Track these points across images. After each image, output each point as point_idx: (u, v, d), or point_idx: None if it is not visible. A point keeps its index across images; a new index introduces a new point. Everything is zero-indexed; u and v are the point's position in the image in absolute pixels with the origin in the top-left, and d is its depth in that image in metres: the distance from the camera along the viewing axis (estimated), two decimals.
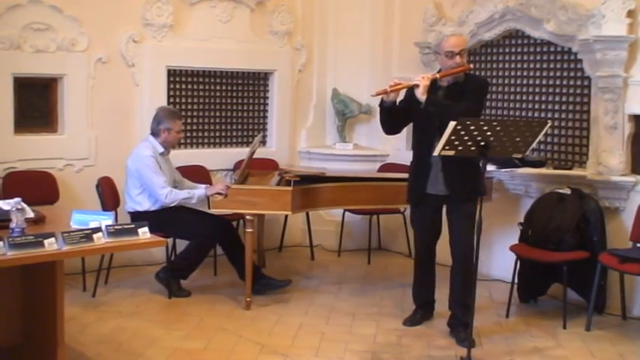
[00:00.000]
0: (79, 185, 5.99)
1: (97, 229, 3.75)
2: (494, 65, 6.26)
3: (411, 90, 4.68)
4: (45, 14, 5.80)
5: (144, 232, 3.88)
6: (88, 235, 3.69)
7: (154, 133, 5.66)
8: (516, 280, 5.42)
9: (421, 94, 4.56)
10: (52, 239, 3.57)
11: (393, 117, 4.87)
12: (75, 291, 5.56)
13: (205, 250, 5.69)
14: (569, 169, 5.67)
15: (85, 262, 5.69)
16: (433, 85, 4.64)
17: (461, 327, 4.74)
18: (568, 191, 5.38)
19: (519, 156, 4.58)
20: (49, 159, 5.92)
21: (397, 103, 4.84)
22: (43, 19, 5.79)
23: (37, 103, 6.00)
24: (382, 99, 4.76)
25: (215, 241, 5.72)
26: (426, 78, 4.60)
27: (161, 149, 5.64)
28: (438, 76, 4.67)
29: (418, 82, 4.58)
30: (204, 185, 5.71)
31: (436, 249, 5.03)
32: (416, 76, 4.67)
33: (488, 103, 6.28)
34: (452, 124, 4.09)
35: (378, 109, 7.09)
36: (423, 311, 5.11)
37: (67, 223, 4.01)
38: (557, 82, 5.81)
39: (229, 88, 6.91)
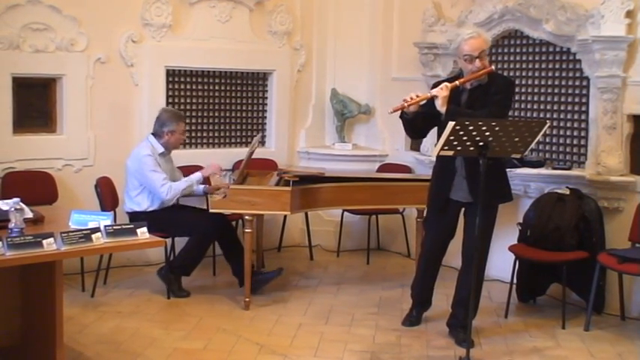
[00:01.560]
0: (78, 185, 5.99)
1: (96, 230, 3.75)
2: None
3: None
4: (44, 14, 5.80)
5: (143, 233, 3.89)
6: (86, 235, 3.69)
7: (156, 134, 5.66)
8: (515, 281, 5.43)
9: (441, 106, 4.44)
10: (51, 239, 3.57)
11: (416, 126, 4.76)
12: (74, 291, 5.56)
13: (206, 244, 5.69)
14: (568, 169, 5.67)
15: (84, 262, 5.68)
16: (456, 89, 4.55)
17: (460, 328, 4.73)
18: (567, 191, 5.38)
19: (518, 156, 4.59)
20: (48, 159, 5.93)
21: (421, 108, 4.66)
22: (42, 19, 5.79)
23: (36, 103, 6.00)
24: (402, 112, 4.63)
25: (215, 236, 5.70)
26: (445, 88, 4.48)
27: (161, 149, 5.64)
28: (457, 83, 4.56)
29: (437, 94, 4.46)
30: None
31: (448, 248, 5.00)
32: (437, 88, 4.52)
33: None
34: (450, 124, 4.08)
35: (376, 109, 7.21)
36: (420, 308, 5.11)
37: (65, 224, 4.01)
38: (556, 83, 5.81)
39: (228, 88, 6.91)
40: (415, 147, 6.76)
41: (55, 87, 6.02)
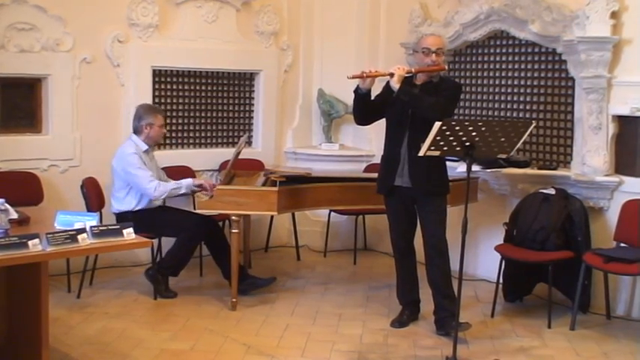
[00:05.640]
0: (64, 186, 5.96)
1: (82, 230, 3.74)
2: (480, 66, 6.28)
3: (388, 85, 4.72)
4: (29, 14, 5.77)
5: (129, 233, 3.88)
6: (72, 236, 3.68)
7: (136, 131, 5.65)
8: (501, 280, 5.44)
9: (395, 83, 4.63)
10: (37, 240, 3.55)
11: (366, 106, 4.91)
12: (60, 292, 5.53)
13: (193, 245, 5.67)
14: (554, 169, 5.69)
15: (70, 263, 5.66)
16: (408, 82, 4.74)
17: (450, 317, 4.74)
18: (553, 191, 5.41)
19: (504, 156, 4.61)
20: (34, 159, 5.89)
21: (374, 98, 4.90)
22: (27, 19, 5.76)
23: (21, 104, 5.96)
24: (358, 86, 4.81)
25: (202, 236, 5.68)
26: (401, 69, 4.68)
27: (145, 147, 5.62)
28: (413, 70, 4.78)
29: (394, 71, 4.65)
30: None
31: (414, 245, 5.05)
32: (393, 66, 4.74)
33: (473, 104, 6.32)
34: (437, 124, 4.10)
35: None
36: (409, 311, 5.11)
37: (51, 224, 3.99)
38: (542, 83, 5.84)
39: (215, 88, 6.90)
40: None
41: (40, 87, 5.99)
